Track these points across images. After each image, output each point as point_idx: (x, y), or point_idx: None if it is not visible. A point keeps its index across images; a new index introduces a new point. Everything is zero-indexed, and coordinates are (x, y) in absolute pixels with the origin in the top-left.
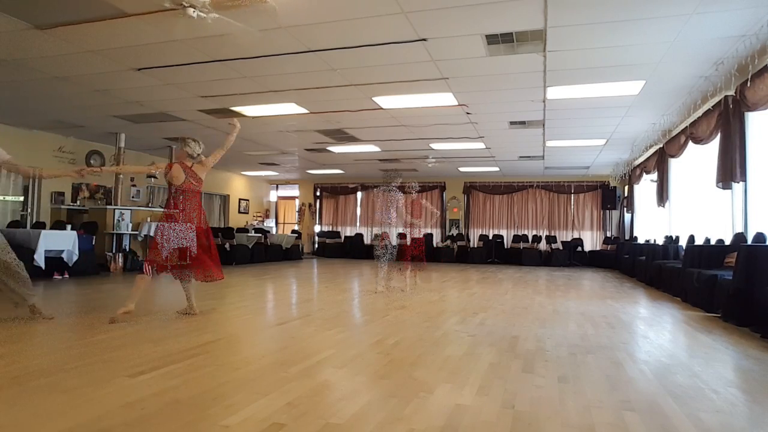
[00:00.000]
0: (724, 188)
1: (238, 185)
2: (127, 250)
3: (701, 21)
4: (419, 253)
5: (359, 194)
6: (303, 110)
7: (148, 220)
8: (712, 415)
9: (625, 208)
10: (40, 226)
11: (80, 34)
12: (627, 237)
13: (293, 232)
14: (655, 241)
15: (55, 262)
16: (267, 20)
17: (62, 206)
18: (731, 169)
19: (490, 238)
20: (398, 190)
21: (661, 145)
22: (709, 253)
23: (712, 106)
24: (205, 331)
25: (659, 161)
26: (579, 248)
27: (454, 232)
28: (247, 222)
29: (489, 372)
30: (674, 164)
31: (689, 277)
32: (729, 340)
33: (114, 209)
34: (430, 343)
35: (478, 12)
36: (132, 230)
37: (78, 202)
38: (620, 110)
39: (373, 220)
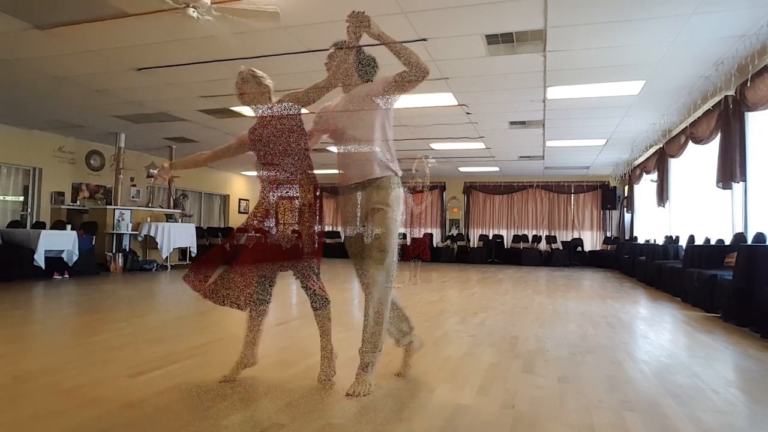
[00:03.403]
0: (724, 188)
1: (238, 185)
2: (127, 250)
3: (701, 21)
4: (424, 251)
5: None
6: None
7: (148, 220)
8: (712, 415)
9: (625, 208)
10: (40, 226)
11: (80, 34)
12: (627, 237)
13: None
14: (655, 241)
15: (55, 262)
16: (267, 21)
17: (62, 206)
18: (731, 169)
19: (490, 238)
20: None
21: (661, 145)
22: (709, 253)
23: (712, 106)
24: (205, 331)
25: (659, 161)
26: (579, 248)
27: (454, 232)
28: None
29: (489, 372)
30: (674, 164)
31: (689, 277)
32: (729, 340)
33: (114, 209)
34: (430, 343)
35: (478, 12)
36: (132, 230)
37: (78, 202)
38: (620, 110)
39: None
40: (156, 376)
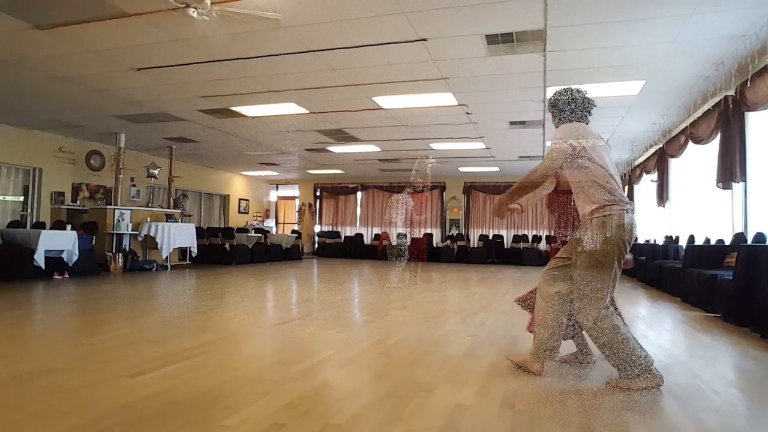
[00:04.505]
0: (724, 188)
1: (238, 185)
2: (127, 250)
3: (701, 21)
4: (422, 251)
5: (359, 194)
6: (303, 110)
7: (149, 220)
8: (712, 415)
9: None
10: (40, 226)
11: (80, 34)
12: None
13: (293, 232)
14: (655, 241)
15: (55, 262)
16: (268, 22)
17: (62, 206)
18: (731, 169)
19: (490, 238)
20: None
21: (661, 145)
22: (709, 253)
23: (712, 106)
24: (205, 331)
25: (659, 161)
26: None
27: (454, 232)
28: (247, 222)
29: (489, 372)
30: (674, 164)
31: (689, 277)
32: (729, 340)
33: (114, 209)
34: (430, 343)
35: (478, 12)
36: (132, 230)
37: (78, 202)
38: (620, 110)
39: (390, 221)
40: (156, 376)
